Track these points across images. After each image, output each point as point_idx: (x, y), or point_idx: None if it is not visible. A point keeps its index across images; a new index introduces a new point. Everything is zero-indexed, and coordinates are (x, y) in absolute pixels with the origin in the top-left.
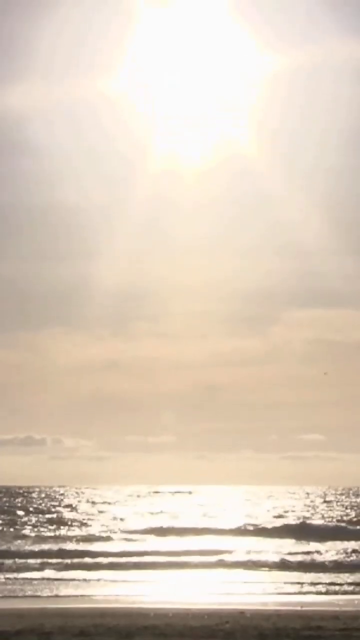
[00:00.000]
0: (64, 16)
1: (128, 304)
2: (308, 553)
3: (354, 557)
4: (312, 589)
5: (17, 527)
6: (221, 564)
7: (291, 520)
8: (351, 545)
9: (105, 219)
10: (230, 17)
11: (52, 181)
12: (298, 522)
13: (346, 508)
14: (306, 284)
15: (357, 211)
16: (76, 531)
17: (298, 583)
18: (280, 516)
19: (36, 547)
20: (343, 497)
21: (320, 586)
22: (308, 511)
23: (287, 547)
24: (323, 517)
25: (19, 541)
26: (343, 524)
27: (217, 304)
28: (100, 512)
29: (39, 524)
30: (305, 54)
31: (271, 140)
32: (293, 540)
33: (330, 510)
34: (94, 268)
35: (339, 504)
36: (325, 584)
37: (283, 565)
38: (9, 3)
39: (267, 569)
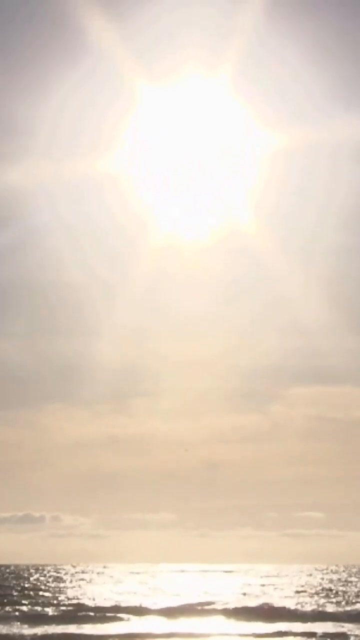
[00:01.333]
0: (66, 95)
1: (128, 380)
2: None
3: None
4: None
5: (5, 608)
6: None
7: (277, 599)
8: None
9: (105, 296)
10: (230, 97)
11: (53, 257)
12: (286, 604)
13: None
14: (306, 361)
15: (355, 289)
16: (66, 613)
17: None
18: (267, 596)
19: (20, 629)
20: (334, 575)
21: None
22: (299, 592)
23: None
24: (318, 595)
25: (3, 625)
26: (320, 608)
27: (217, 381)
28: (94, 591)
29: (26, 604)
30: (304, 133)
31: (270, 218)
32: (283, 623)
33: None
34: (94, 345)
35: (326, 581)
36: None
37: None
38: (12, 83)
39: None
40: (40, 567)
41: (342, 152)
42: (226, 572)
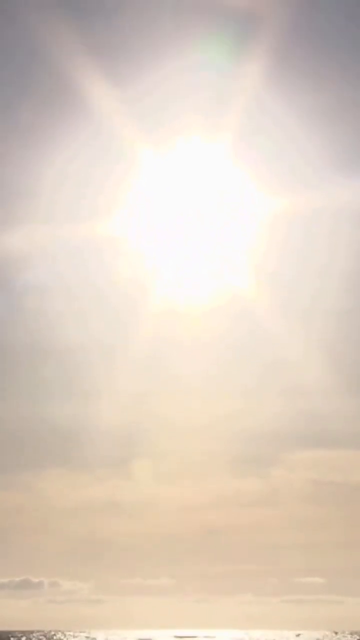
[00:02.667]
0: (67, 160)
1: (128, 444)
2: None
3: None
4: None
5: None
6: None
7: None
8: None
9: (105, 359)
10: (230, 162)
11: (53, 320)
12: None
13: None
14: (307, 425)
15: (356, 352)
16: None
17: None
18: None
19: None
20: None
21: None
22: None
23: None
24: None
25: None
26: None
27: (217, 445)
28: None
29: None
30: (304, 197)
31: (271, 282)
32: None
33: None
34: (94, 408)
35: None
36: None
37: None
38: (14, 147)
39: None
40: (36, 632)
41: (342, 217)
42: (223, 637)
